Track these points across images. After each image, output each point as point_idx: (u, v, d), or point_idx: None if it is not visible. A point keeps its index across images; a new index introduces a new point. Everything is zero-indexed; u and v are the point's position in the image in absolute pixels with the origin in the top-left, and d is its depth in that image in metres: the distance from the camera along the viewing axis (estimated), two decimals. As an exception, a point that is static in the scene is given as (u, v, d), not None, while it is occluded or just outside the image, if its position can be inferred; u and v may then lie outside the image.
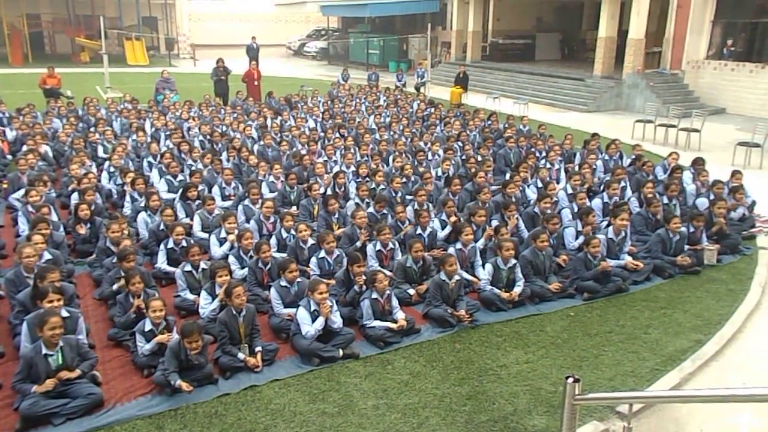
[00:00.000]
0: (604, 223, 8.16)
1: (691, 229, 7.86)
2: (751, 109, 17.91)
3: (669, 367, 5.49)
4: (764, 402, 2.69)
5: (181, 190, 8.85)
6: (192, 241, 7.03)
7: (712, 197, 8.72)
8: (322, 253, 6.90)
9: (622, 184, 9.29)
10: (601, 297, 6.84)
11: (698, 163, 9.89)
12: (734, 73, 18.64)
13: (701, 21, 19.09)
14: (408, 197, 9.10)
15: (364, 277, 6.18)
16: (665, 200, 8.74)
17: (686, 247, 7.71)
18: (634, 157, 10.69)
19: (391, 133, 13.16)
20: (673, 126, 14.70)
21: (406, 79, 23.71)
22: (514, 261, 6.73)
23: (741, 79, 18.42)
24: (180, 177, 9.75)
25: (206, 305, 5.97)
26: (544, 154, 11.21)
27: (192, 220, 8.19)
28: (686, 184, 9.56)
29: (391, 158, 10.79)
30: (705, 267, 7.61)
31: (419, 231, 7.66)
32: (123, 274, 6.10)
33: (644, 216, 8.29)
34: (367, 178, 9.76)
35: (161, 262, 7.06)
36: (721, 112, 18.47)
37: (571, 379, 3.38)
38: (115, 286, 6.23)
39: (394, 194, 9.08)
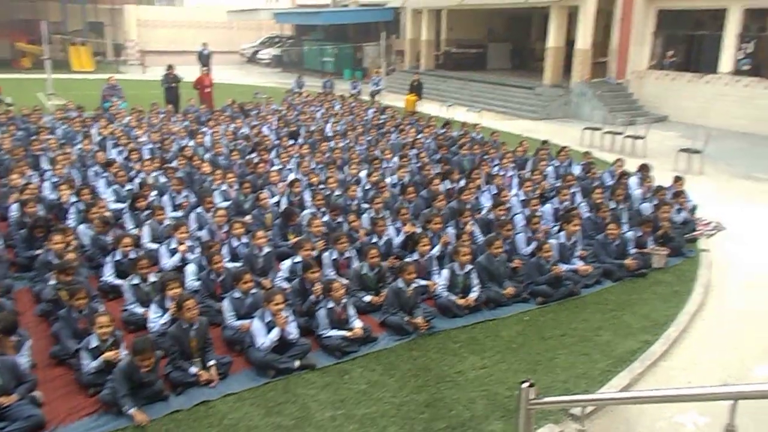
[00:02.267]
0: (556, 228, 8.34)
1: (639, 234, 8.12)
2: (691, 117, 18.71)
3: (619, 368, 5.63)
4: (708, 401, 2.78)
5: (129, 200, 8.59)
6: (141, 253, 6.82)
7: (656, 202, 9.04)
8: (299, 258, 6.79)
9: (572, 190, 9.53)
10: (554, 301, 6.97)
11: (644, 169, 10.25)
12: (675, 83, 19.45)
13: (643, 33, 19.86)
14: (364, 205, 9.09)
15: (320, 285, 6.12)
16: (612, 205, 9.01)
17: (633, 250, 7.96)
18: (585, 163, 10.98)
19: (347, 141, 13.14)
20: (619, 133, 15.20)
21: (361, 87, 23.76)
22: (470, 266, 6.79)
23: (681, 88, 19.23)
24: (128, 186, 9.46)
25: (156, 319, 5.79)
26: (497, 161, 11.39)
27: (141, 230, 7.95)
28: (632, 190, 9.89)
29: (346, 166, 10.76)
30: (652, 270, 7.86)
31: (375, 239, 7.65)
32: (59, 287, 5.89)
33: (594, 221, 8.52)
34: (321, 186, 9.70)
35: (108, 275, 6.82)
36: (663, 120, 19.22)
37: (526, 384, 3.42)
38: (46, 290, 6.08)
39: (350, 202, 9.06)
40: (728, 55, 17.86)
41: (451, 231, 7.93)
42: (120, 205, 8.94)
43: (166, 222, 7.99)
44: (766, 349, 6.14)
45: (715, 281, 7.71)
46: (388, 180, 9.97)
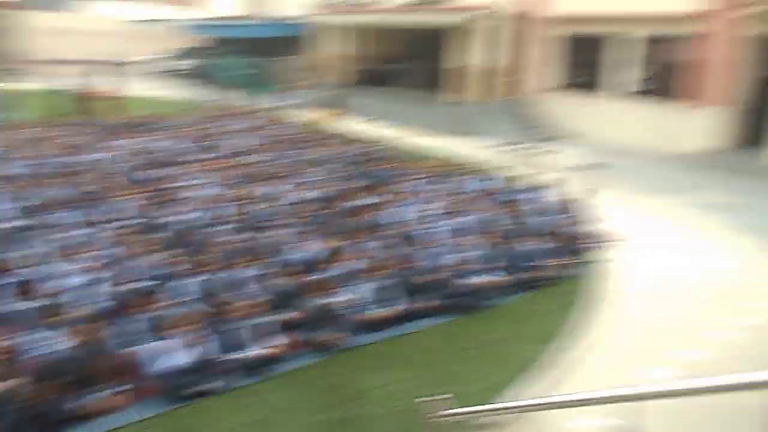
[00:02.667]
0: (466, 242, 8.54)
1: (543, 246, 8.48)
2: (596, 135, 19.91)
3: (524, 377, 5.85)
4: (609, 404, 2.94)
5: (26, 218, 8.03)
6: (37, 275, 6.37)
7: (561, 216, 9.51)
8: (205, 276, 6.58)
9: (483, 204, 9.83)
10: (464, 314, 7.13)
11: (552, 185, 10.76)
12: (581, 102, 20.66)
13: (553, 54, 20.99)
14: (284, 221, 8.95)
15: (234, 305, 5.95)
16: (520, 219, 9.38)
17: (537, 262, 8.27)
18: (496, 179, 11.38)
19: (266, 155, 12.94)
20: (529, 150, 15.92)
21: (280, 101, 23.53)
22: (387, 281, 6.83)
23: (587, 108, 20.46)
24: (25, 203, 8.83)
25: (52, 345, 5.40)
26: (415, 176, 11.57)
27: (38, 250, 7.43)
28: (539, 204, 10.34)
29: (265, 181, 10.58)
30: (554, 281, 8.21)
31: (294, 255, 7.55)
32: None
33: (501, 234, 8.79)
34: (239, 201, 9.49)
35: None
36: (570, 138, 20.28)
37: (436, 397, 3.47)
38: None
39: (269, 218, 8.90)
40: (631, 77, 19.26)
41: (370, 245, 7.96)
42: (16, 223, 8.34)
43: (67, 241, 7.53)
44: (662, 355, 6.53)
45: (614, 290, 8.13)
46: (308, 195, 9.90)
